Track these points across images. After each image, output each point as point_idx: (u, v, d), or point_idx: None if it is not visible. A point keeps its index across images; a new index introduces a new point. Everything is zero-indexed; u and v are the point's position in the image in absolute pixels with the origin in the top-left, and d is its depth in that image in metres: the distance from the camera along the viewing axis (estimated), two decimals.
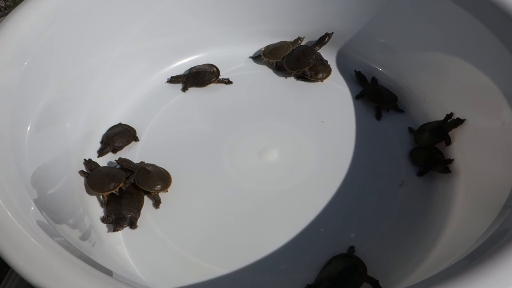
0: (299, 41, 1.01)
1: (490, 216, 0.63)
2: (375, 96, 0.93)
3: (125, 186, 0.77)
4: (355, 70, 0.99)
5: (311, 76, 0.96)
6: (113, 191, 0.76)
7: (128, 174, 0.79)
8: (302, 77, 0.99)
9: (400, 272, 0.71)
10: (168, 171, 0.81)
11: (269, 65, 1.01)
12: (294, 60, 0.96)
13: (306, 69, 0.96)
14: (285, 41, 1.01)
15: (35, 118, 0.71)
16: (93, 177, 0.78)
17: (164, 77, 0.99)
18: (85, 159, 0.81)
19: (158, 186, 0.78)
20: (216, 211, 0.78)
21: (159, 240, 0.74)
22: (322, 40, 1.00)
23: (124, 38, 0.91)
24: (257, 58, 1.03)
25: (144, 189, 0.77)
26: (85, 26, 0.82)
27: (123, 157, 0.83)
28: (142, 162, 0.82)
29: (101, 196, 0.78)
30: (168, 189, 0.79)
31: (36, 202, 0.59)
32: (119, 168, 0.81)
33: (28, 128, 0.69)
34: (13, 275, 0.63)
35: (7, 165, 0.60)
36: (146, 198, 0.79)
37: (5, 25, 0.71)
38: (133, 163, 0.81)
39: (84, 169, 0.80)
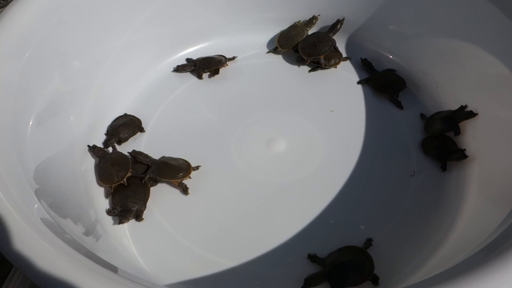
0: (314, 21, 0.99)
1: (505, 208, 0.61)
2: (380, 86, 0.91)
3: (149, 182, 0.78)
4: (361, 58, 0.97)
5: (325, 64, 0.94)
6: (122, 182, 0.76)
7: (145, 168, 0.79)
8: (315, 67, 0.96)
9: (411, 265, 0.69)
10: None
11: (288, 55, 0.99)
12: (310, 47, 0.94)
13: (321, 57, 0.94)
14: (297, 26, 0.99)
15: (38, 111, 0.70)
16: (101, 168, 0.78)
17: (170, 66, 0.97)
18: (89, 146, 0.81)
19: (180, 174, 0.77)
20: (223, 203, 0.77)
21: (165, 233, 0.74)
22: (335, 27, 0.98)
23: (129, 27, 0.90)
24: (274, 49, 1.00)
25: (167, 180, 0.77)
26: (88, 15, 0.81)
27: (129, 148, 0.82)
28: (163, 157, 0.82)
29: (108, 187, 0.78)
30: (191, 175, 0.78)
31: (39, 197, 0.59)
32: (132, 159, 0.80)
33: (31, 121, 0.68)
34: (16, 273, 0.62)
35: (9, 160, 0.59)
36: (152, 190, 0.78)
37: (6, 15, 0.70)
38: (150, 156, 0.80)
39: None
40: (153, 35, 0.94)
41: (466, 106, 0.82)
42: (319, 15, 0.98)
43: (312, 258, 0.69)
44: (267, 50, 1.01)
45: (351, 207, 0.76)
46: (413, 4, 0.89)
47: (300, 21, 1.00)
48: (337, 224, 0.74)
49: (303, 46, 0.95)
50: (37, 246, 0.48)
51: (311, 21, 0.99)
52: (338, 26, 0.98)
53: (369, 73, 0.95)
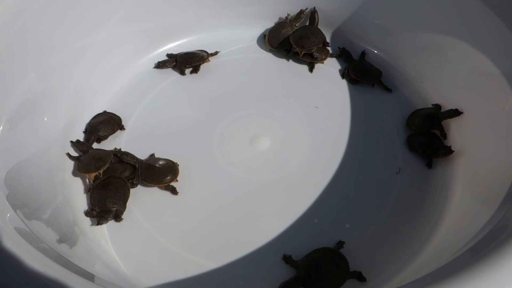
0: (302, 15, 0.96)
1: (491, 205, 0.61)
2: (358, 71, 0.91)
3: (132, 185, 0.76)
4: (339, 47, 0.96)
5: (316, 57, 0.93)
6: (97, 173, 0.75)
7: (124, 167, 0.77)
8: (311, 65, 0.95)
9: (396, 264, 0.68)
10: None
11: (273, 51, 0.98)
12: (303, 39, 0.92)
13: (314, 48, 0.92)
14: (286, 23, 0.97)
15: (10, 112, 0.68)
16: (82, 160, 0.77)
17: (151, 62, 0.95)
18: (72, 141, 0.80)
19: (167, 178, 0.76)
20: (204, 202, 0.76)
21: (145, 234, 0.72)
22: (314, 21, 0.96)
23: (108, 22, 0.87)
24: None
25: (153, 185, 0.76)
26: (65, 9, 0.79)
27: (108, 146, 0.81)
28: (152, 155, 0.80)
29: (87, 180, 0.77)
30: (178, 178, 0.77)
31: (12, 202, 0.57)
32: (119, 161, 0.78)
33: (1, 125, 0.66)
34: None
35: None
36: (132, 189, 0.76)
37: None
38: (136, 157, 0.79)
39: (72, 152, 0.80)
40: (133, 30, 0.92)
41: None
42: (306, 9, 0.96)
43: (287, 259, 0.68)
44: (253, 46, 0.99)
45: (335, 206, 0.75)
46: None
47: (288, 15, 0.98)
48: (321, 223, 0.73)
49: (295, 39, 0.93)
50: (9, 255, 0.46)
51: (299, 15, 0.97)
52: (316, 18, 0.96)
53: (347, 62, 0.94)
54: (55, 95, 0.79)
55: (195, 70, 0.93)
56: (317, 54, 0.93)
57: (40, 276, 0.45)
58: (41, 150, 0.73)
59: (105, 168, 0.75)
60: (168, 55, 0.96)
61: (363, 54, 0.95)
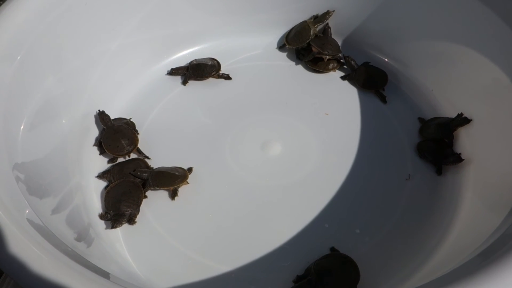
0: (328, 16, 0.97)
1: (501, 212, 0.61)
2: (365, 82, 0.92)
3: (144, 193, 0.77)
4: (344, 55, 0.96)
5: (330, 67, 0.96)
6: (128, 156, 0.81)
7: (136, 168, 0.79)
8: (319, 70, 0.96)
9: (407, 269, 0.69)
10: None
11: (284, 58, 1.00)
12: (327, 45, 0.94)
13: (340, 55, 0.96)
14: (305, 22, 0.97)
15: (30, 114, 0.69)
16: (108, 138, 0.80)
17: (164, 69, 0.97)
18: (99, 110, 0.84)
19: (178, 180, 0.77)
20: (217, 206, 0.76)
21: (159, 237, 0.73)
22: (327, 33, 0.98)
23: (123, 29, 0.89)
24: (282, 47, 1.01)
25: (166, 188, 0.77)
26: (82, 17, 0.80)
27: None
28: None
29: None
30: (191, 183, 0.78)
31: (30, 202, 0.58)
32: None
33: (22, 125, 0.67)
34: (7, 279, 0.61)
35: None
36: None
37: None
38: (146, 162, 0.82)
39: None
40: (147, 37, 0.94)
41: (462, 114, 0.82)
42: (333, 11, 0.96)
43: (297, 279, 0.68)
44: (265, 53, 1.00)
45: (346, 211, 0.76)
46: (408, 7, 0.89)
47: (312, 18, 0.98)
48: (332, 228, 0.74)
49: (319, 45, 0.94)
50: (27, 252, 0.47)
51: (324, 16, 0.97)
52: (329, 31, 0.98)
53: (352, 70, 0.95)
54: (72, 100, 0.80)
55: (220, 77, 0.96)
56: (332, 64, 0.95)
57: (56, 271, 0.46)
58: (58, 152, 0.74)
59: (133, 151, 0.81)
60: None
61: (366, 63, 0.96)
